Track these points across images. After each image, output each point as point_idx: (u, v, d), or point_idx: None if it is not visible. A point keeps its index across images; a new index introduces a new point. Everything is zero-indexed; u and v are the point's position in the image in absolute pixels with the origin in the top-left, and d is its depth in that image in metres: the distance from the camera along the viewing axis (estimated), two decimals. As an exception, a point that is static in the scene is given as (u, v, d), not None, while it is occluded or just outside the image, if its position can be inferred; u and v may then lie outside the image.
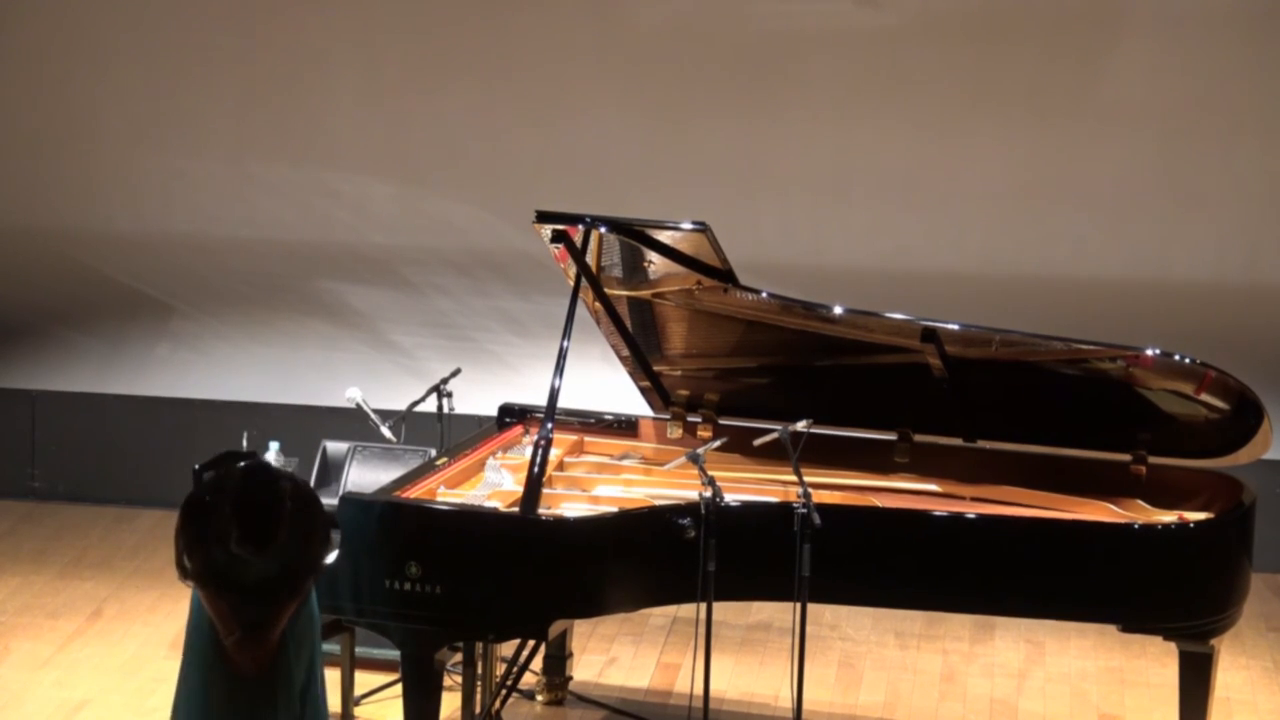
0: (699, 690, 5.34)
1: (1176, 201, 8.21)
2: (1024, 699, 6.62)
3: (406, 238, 8.78)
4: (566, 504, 5.56)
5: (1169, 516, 5.54)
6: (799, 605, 5.19)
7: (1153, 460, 5.75)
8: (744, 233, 7.34)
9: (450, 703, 6.02)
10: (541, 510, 5.24)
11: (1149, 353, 5.52)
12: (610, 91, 8.46)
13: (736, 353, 6.04)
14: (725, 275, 5.61)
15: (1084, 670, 6.89)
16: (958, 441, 5.92)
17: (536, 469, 5.21)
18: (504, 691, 6.09)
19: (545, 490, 5.43)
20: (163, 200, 8.89)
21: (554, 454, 5.82)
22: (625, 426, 6.29)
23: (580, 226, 5.51)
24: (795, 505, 5.17)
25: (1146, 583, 5.30)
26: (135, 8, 8.67)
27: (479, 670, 5.86)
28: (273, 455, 6.74)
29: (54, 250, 8.99)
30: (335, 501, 5.45)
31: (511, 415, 6.30)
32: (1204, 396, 5.57)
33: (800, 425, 5.48)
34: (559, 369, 5.40)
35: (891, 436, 5.99)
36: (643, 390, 6.20)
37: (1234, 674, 6.78)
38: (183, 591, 7.42)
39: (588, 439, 6.25)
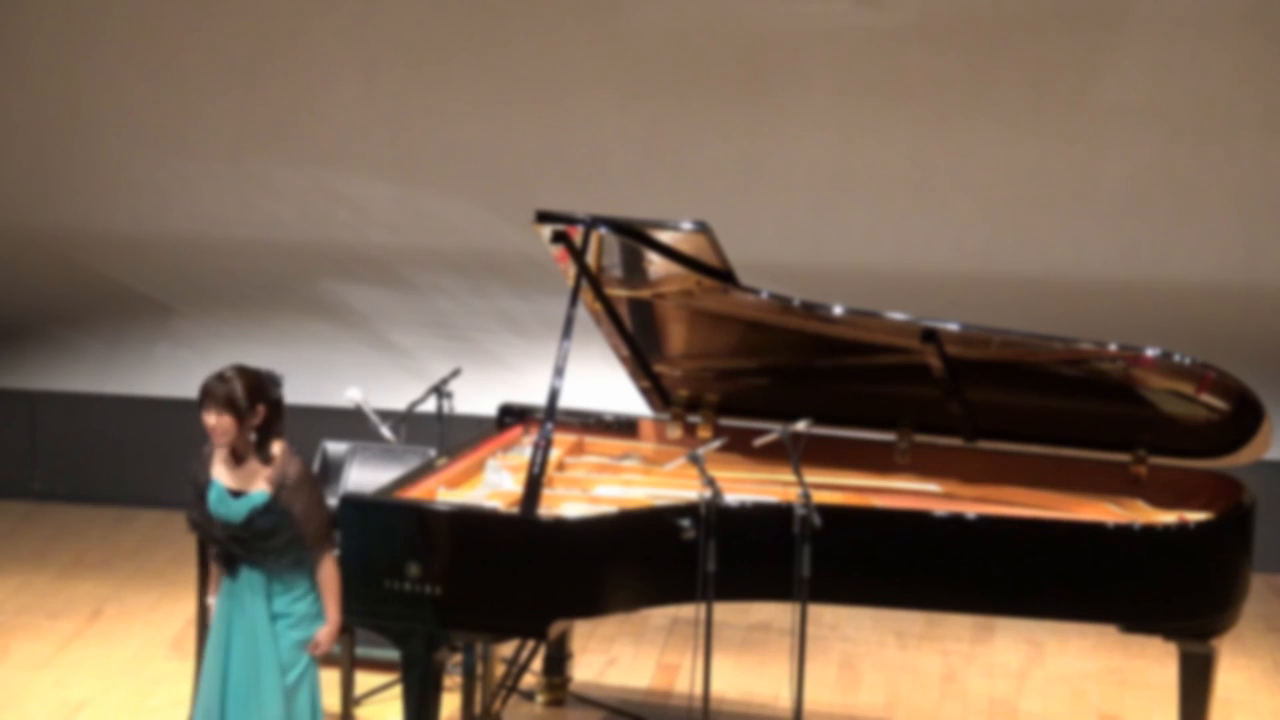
0: (699, 690, 5.33)
1: (1176, 201, 8.21)
2: (1024, 699, 6.62)
3: (406, 238, 8.79)
4: (566, 504, 5.56)
5: (1169, 517, 5.54)
6: (799, 605, 5.19)
7: (1153, 460, 5.75)
8: (744, 233, 7.34)
9: (450, 703, 6.02)
10: (541, 510, 5.24)
11: (1149, 353, 5.51)
12: (611, 91, 8.46)
13: (737, 353, 6.04)
14: (725, 275, 5.61)
15: (1084, 670, 6.90)
16: (958, 442, 5.92)
17: (536, 469, 5.21)
18: (504, 691, 6.09)
19: (545, 490, 5.43)
20: (162, 200, 8.89)
21: (554, 454, 5.81)
22: (625, 426, 6.29)
23: (580, 227, 5.50)
24: (795, 506, 5.16)
25: (1146, 583, 5.30)
26: (136, 8, 8.67)
27: (479, 670, 5.86)
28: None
29: (54, 250, 9.00)
30: (335, 501, 5.45)
31: (511, 415, 6.30)
32: (1204, 397, 5.56)
33: (800, 426, 5.48)
34: (559, 369, 5.40)
35: (892, 437, 5.99)
36: (643, 390, 6.20)
37: (1234, 674, 6.78)
38: (182, 591, 7.45)
39: (588, 439, 6.25)
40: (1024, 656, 7.01)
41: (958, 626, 7.22)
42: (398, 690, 5.66)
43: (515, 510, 5.24)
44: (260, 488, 4.89)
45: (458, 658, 5.90)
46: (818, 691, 6.51)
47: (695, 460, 5.28)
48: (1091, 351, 5.58)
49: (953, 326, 5.60)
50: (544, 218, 5.55)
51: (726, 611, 6.89)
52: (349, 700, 6.02)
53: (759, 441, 5.54)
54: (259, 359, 8.93)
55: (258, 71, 8.67)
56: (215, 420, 4.89)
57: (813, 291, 6.02)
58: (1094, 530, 5.37)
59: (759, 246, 7.98)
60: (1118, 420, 5.73)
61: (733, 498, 5.34)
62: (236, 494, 4.90)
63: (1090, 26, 8.13)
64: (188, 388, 8.90)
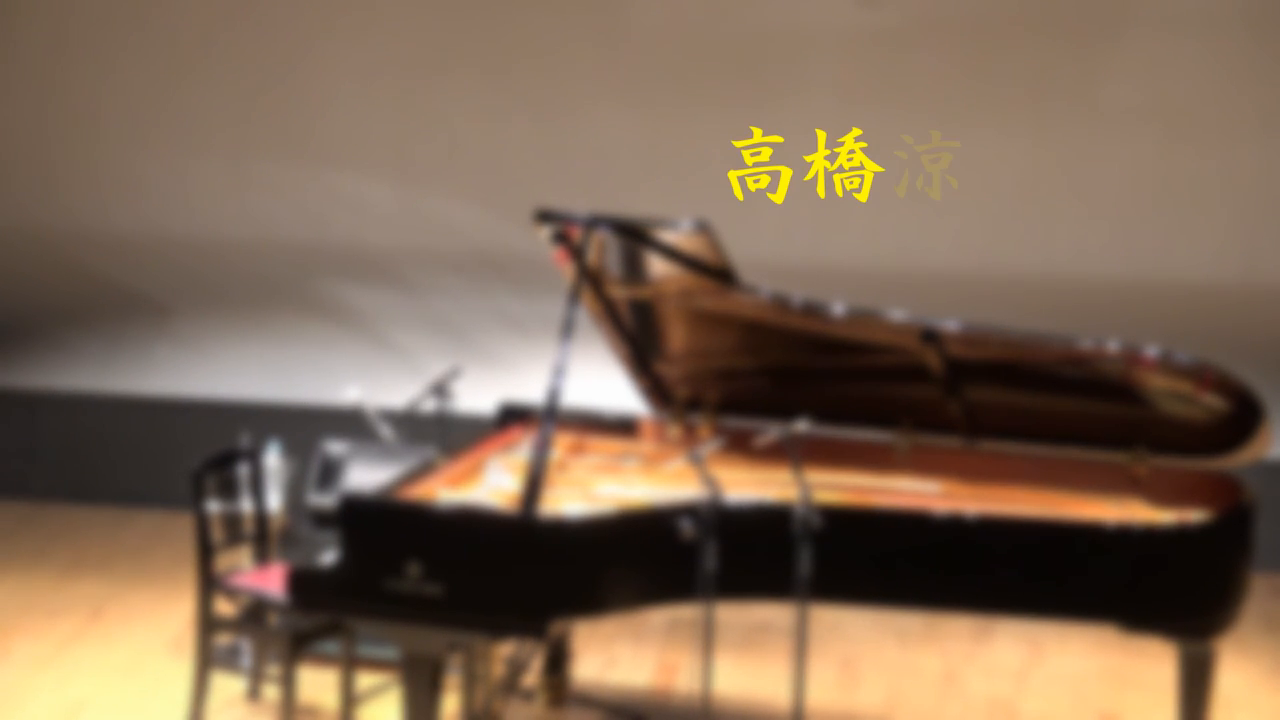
0: (699, 690, 5.33)
1: (1176, 201, 8.22)
2: (1024, 699, 6.62)
3: (406, 238, 8.79)
4: (566, 504, 5.56)
5: (1169, 516, 5.54)
6: (799, 605, 5.19)
7: (1153, 460, 5.75)
8: (744, 233, 7.34)
9: (450, 703, 6.02)
10: (541, 510, 5.24)
11: (1149, 353, 5.51)
12: (611, 91, 8.47)
13: (737, 353, 6.04)
14: (725, 275, 5.61)
15: (1084, 670, 6.90)
16: (958, 442, 5.93)
17: (536, 469, 5.21)
18: (504, 691, 6.08)
19: (545, 490, 5.42)
20: (162, 200, 8.90)
21: (554, 454, 5.81)
22: (625, 426, 6.29)
23: (580, 226, 5.50)
24: (795, 506, 5.16)
25: (1146, 583, 5.30)
26: (136, 8, 8.68)
27: (479, 670, 5.86)
28: (273, 455, 6.75)
29: (54, 250, 9.00)
30: (335, 501, 5.45)
31: (512, 415, 6.30)
32: (1204, 396, 5.56)
33: (800, 425, 5.48)
34: (559, 369, 5.40)
35: (892, 437, 5.99)
36: (643, 390, 6.20)
37: (1234, 674, 6.78)
38: (182, 591, 7.45)
39: (588, 439, 6.25)
40: (1024, 656, 7.01)
41: (958, 626, 7.22)
42: (398, 690, 5.66)
43: (515, 510, 5.24)
44: None
45: (458, 658, 5.90)
46: (818, 691, 6.51)
47: (695, 460, 5.28)
48: (1091, 351, 5.58)
49: (953, 327, 5.60)
50: (544, 217, 5.55)
51: (726, 611, 6.90)
52: (349, 700, 6.02)
53: (759, 442, 5.54)
54: (259, 359, 9.01)
55: (258, 72, 8.68)
56: None
57: (813, 291, 6.02)
58: (1094, 530, 5.37)
59: (759, 246, 7.98)
60: (1117, 420, 5.73)
61: (733, 497, 5.34)
62: None
63: (1090, 27, 8.14)
64: (187, 388, 8.98)
